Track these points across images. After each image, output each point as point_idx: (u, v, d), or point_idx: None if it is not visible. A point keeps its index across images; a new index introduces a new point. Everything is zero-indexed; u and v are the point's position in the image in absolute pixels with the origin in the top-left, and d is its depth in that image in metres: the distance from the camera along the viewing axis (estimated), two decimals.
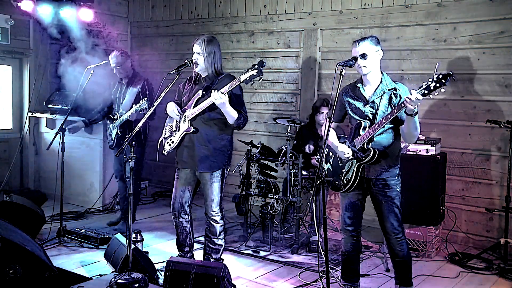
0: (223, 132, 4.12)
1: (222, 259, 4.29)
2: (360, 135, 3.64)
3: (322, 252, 3.74)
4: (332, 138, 3.78)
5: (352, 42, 3.69)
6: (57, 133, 5.15)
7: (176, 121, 4.21)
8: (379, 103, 3.61)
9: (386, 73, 3.73)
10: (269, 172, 5.54)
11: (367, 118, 3.65)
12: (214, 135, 4.08)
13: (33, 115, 6.92)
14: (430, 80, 3.22)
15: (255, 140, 5.69)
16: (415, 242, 5.02)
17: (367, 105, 3.66)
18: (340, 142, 3.75)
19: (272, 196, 5.20)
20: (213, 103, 3.88)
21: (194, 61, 4.06)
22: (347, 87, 3.85)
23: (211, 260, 4.23)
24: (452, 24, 5.42)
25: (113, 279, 3.51)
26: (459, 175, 5.46)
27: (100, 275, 4.16)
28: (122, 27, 7.99)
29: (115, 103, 5.50)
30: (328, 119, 3.39)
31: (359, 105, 3.70)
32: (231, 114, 3.92)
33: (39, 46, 6.91)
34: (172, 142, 4.20)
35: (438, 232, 5.14)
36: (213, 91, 3.85)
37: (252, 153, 5.39)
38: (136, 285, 3.44)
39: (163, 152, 4.28)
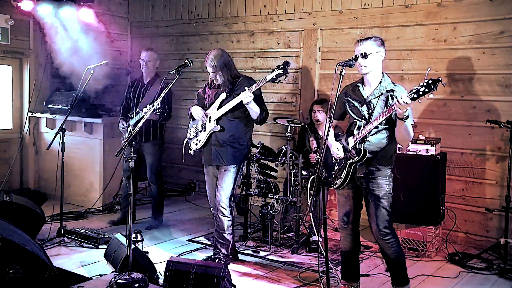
0: (247, 128, 4.51)
1: (231, 256, 4.42)
2: (354, 134, 3.66)
3: (323, 252, 3.73)
4: (329, 136, 3.81)
5: (356, 41, 3.69)
6: (57, 133, 5.14)
7: (202, 122, 4.51)
8: (376, 104, 3.62)
9: (387, 74, 3.73)
10: (269, 172, 5.53)
11: (363, 117, 3.67)
12: (239, 132, 4.44)
13: (33, 115, 6.91)
14: (420, 85, 3.22)
15: (255, 140, 5.67)
16: (415, 242, 5.02)
17: (364, 105, 3.68)
18: (336, 141, 3.79)
19: (272, 196, 5.20)
20: (238, 103, 4.22)
21: (212, 80, 4.48)
22: (348, 86, 3.87)
23: (221, 255, 4.41)
24: (452, 24, 5.42)
25: (113, 279, 3.51)
26: (459, 175, 5.45)
27: (100, 275, 4.15)
28: (122, 27, 7.99)
29: (133, 102, 5.51)
30: (328, 119, 3.43)
31: (357, 104, 3.73)
32: (255, 110, 4.30)
33: (39, 46, 6.91)
34: (199, 141, 4.52)
35: (438, 232, 5.13)
36: (243, 91, 4.16)
37: (252, 153, 5.38)
38: (136, 285, 3.44)
39: (189, 151, 4.60)
